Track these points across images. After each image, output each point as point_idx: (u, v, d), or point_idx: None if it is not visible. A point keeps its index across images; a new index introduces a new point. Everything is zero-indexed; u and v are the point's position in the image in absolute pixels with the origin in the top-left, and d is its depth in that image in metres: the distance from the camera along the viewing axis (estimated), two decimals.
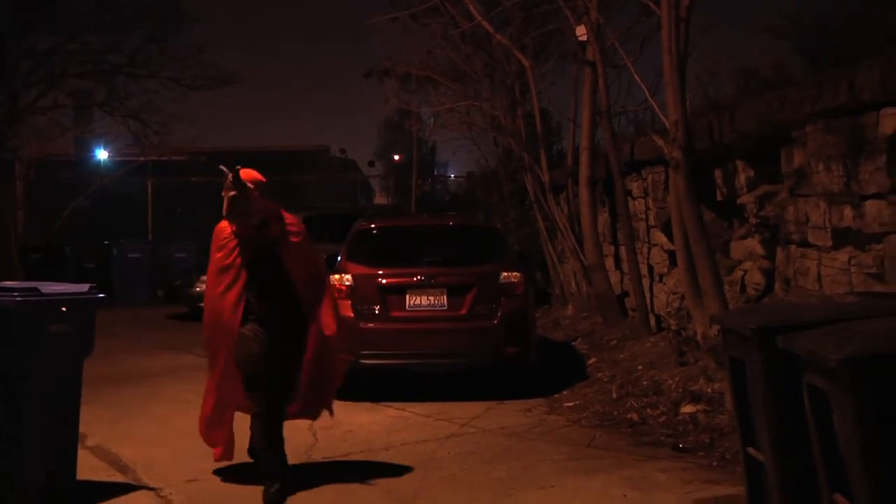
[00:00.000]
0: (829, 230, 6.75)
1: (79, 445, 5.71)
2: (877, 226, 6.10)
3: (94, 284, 5.66)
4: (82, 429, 5.79)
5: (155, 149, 22.67)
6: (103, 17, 20.22)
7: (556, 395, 8.49)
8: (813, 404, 3.55)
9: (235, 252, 5.64)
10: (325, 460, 6.42)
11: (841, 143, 6.33)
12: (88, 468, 6.00)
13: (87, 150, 28.14)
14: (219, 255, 5.69)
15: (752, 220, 8.37)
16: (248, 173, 5.59)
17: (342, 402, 8.33)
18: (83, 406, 5.65)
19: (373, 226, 9.77)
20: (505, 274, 8.80)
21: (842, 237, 6.62)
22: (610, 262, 12.59)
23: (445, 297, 8.63)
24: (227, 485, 5.79)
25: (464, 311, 8.60)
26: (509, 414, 7.80)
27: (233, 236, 5.66)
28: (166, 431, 7.37)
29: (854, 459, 3.26)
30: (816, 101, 6.58)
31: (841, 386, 3.30)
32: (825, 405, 3.46)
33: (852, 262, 6.45)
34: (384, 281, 8.72)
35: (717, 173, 9.01)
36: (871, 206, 6.18)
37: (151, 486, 5.77)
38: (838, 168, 6.51)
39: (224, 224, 5.71)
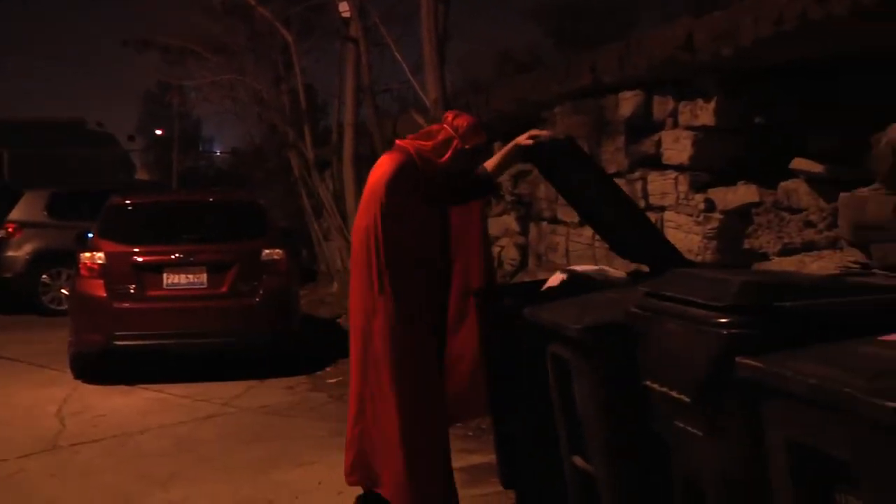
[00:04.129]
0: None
1: None
2: None
3: None
4: None
5: None
6: None
7: (320, 373, 8.50)
8: (556, 373, 3.75)
9: None
10: (74, 445, 6.13)
11: (586, 124, 6.69)
12: None
13: None
14: None
15: (508, 198, 8.69)
16: None
17: (94, 386, 8.02)
18: None
19: (127, 201, 9.37)
20: (267, 251, 8.70)
21: None
22: None
23: (205, 274, 8.43)
24: None
25: (225, 289, 8.43)
26: (271, 392, 7.74)
27: None
28: None
29: (590, 421, 3.47)
30: (564, 83, 6.91)
31: (580, 353, 3.50)
32: (567, 373, 3.66)
33: (596, 237, 6.83)
34: (139, 259, 8.41)
35: None
36: None
37: None
38: (584, 147, 6.87)
39: None
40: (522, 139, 4.25)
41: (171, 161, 33.46)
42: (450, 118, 4.27)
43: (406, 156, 4.15)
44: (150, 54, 16.23)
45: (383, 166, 4.20)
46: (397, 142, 4.33)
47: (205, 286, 8.41)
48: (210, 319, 8.34)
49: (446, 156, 4.14)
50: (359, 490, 4.43)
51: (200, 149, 41.39)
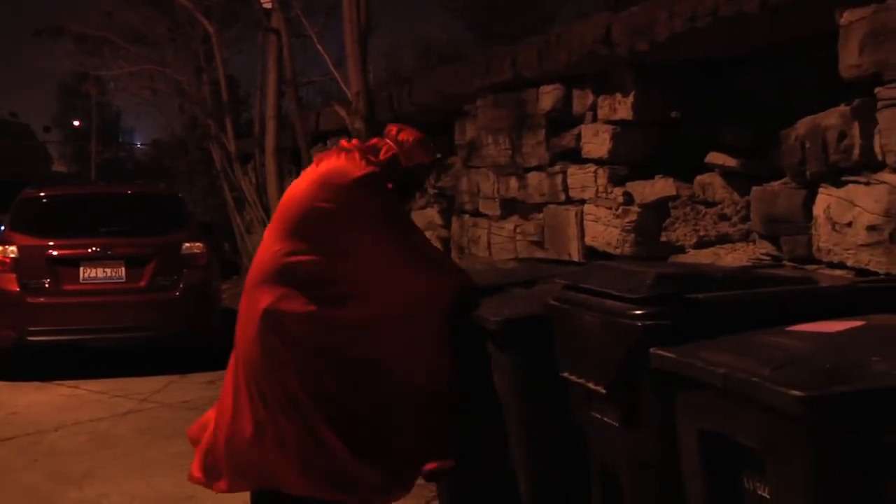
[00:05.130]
0: (497, 200, 7.17)
1: None
2: (538, 196, 6.55)
3: None
4: None
5: None
6: None
7: None
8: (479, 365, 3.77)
9: None
10: None
11: (507, 118, 6.73)
12: None
13: None
14: None
15: (431, 191, 8.71)
16: None
17: (6, 383, 7.81)
18: None
19: (42, 193, 9.15)
20: (187, 244, 8.59)
21: (509, 207, 7.05)
22: None
23: (123, 268, 8.28)
24: None
25: (143, 283, 8.30)
26: (192, 387, 7.63)
27: None
28: None
29: (509, 412, 3.50)
30: (485, 76, 6.94)
31: (498, 345, 3.53)
32: (488, 364, 3.69)
33: (517, 230, 6.89)
34: (54, 252, 8.22)
35: None
36: (532, 178, 6.62)
37: None
38: (505, 141, 6.91)
39: None
40: None
41: (89, 153, 32.71)
42: (393, 132, 3.87)
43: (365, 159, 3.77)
44: (65, 43, 15.88)
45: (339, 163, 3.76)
46: (346, 144, 3.89)
47: (123, 280, 8.27)
48: (128, 314, 8.20)
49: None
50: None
51: (120, 140, 40.56)
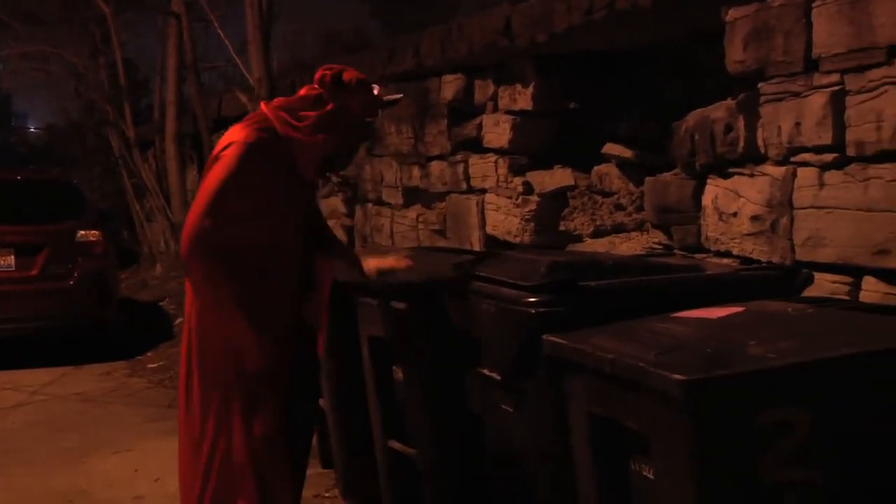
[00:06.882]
0: (400, 189, 7.18)
1: None
2: (440, 185, 6.58)
3: None
4: None
5: None
6: None
7: (140, 357, 8.26)
8: (372, 355, 3.77)
9: None
10: None
11: (411, 106, 6.73)
12: None
13: None
14: None
15: (335, 180, 8.66)
16: None
17: None
18: None
19: None
20: (82, 232, 8.40)
21: (411, 196, 7.07)
22: None
23: (13, 257, 8.05)
24: None
25: (35, 272, 8.08)
26: (87, 378, 7.47)
27: None
28: None
29: (412, 403, 3.52)
30: (388, 65, 6.93)
31: (395, 331, 3.54)
32: (385, 355, 3.70)
33: (420, 219, 6.92)
34: None
35: None
36: (434, 167, 6.65)
37: None
38: (408, 130, 6.92)
39: None
40: (373, 271, 3.45)
41: None
42: (329, 76, 3.17)
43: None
44: None
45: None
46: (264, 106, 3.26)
47: (13, 269, 8.04)
48: (19, 304, 7.99)
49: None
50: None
51: (12, 124, 39.14)
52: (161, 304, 11.00)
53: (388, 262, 3.56)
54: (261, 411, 3.21)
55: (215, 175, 3.15)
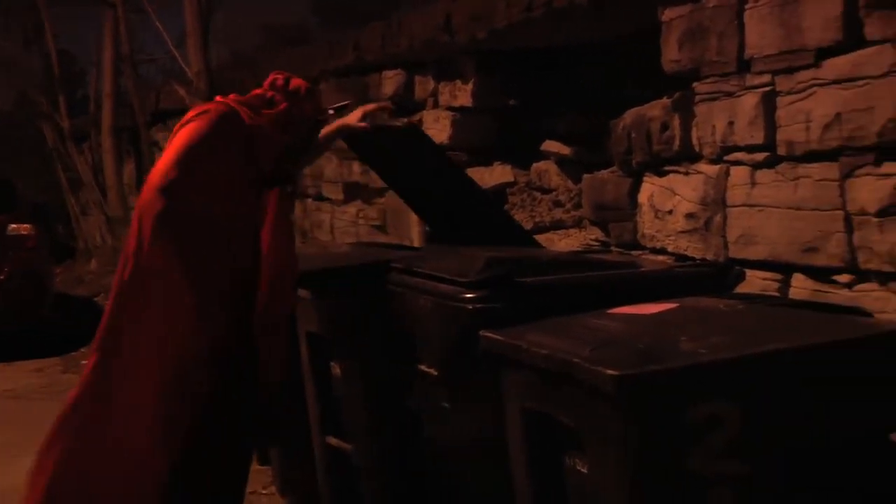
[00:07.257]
0: (340, 185, 7.15)
1: None
2: (380, 181, 6.56)
3: None
4: None
5: None
6: None
7: (74, 354, 8.12)
8: (310, 351, 3.75)
9: None
10: None
11: (351, 102, 6.70)
12: None
13: None
14: None
15: (289, 189, 8.60)
16: None
17: None
18: None
19: None
20: (14, 226, 8.23)
21: (352, 191, 7.05)
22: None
23: None
24: None
25: None
26: (18, 375, 7.32)
27: None
28: None
29: (350, 399, 3.51)
30: (328, 59, 6.90)
31: (331, 327, 3.53)
32: (323, 352, 3.68)
33: (360, 214, 6.90)
34: None
35: None
36: None
37: None
38: None
39: None
40: (354, 121, 3.34)
41: None
42: (280, 81, 3.19)
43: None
44: None
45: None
46: (220, 99, 3.21)
47: None
48: None
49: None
50: None
51: None
52: (96, 299, 10.83)
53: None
54: (190, 399, 3.08)
55: (187, 133, 3.05)
